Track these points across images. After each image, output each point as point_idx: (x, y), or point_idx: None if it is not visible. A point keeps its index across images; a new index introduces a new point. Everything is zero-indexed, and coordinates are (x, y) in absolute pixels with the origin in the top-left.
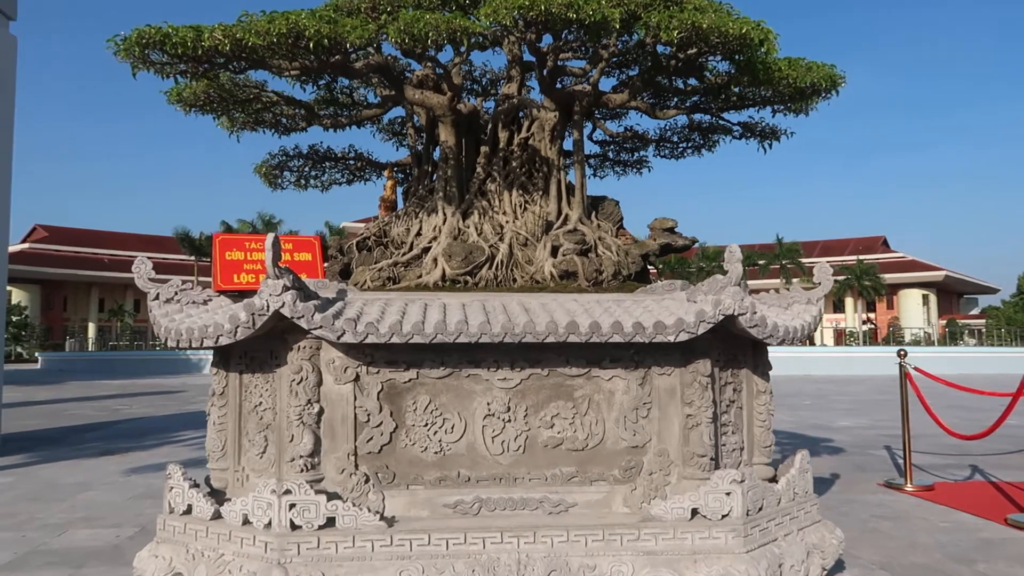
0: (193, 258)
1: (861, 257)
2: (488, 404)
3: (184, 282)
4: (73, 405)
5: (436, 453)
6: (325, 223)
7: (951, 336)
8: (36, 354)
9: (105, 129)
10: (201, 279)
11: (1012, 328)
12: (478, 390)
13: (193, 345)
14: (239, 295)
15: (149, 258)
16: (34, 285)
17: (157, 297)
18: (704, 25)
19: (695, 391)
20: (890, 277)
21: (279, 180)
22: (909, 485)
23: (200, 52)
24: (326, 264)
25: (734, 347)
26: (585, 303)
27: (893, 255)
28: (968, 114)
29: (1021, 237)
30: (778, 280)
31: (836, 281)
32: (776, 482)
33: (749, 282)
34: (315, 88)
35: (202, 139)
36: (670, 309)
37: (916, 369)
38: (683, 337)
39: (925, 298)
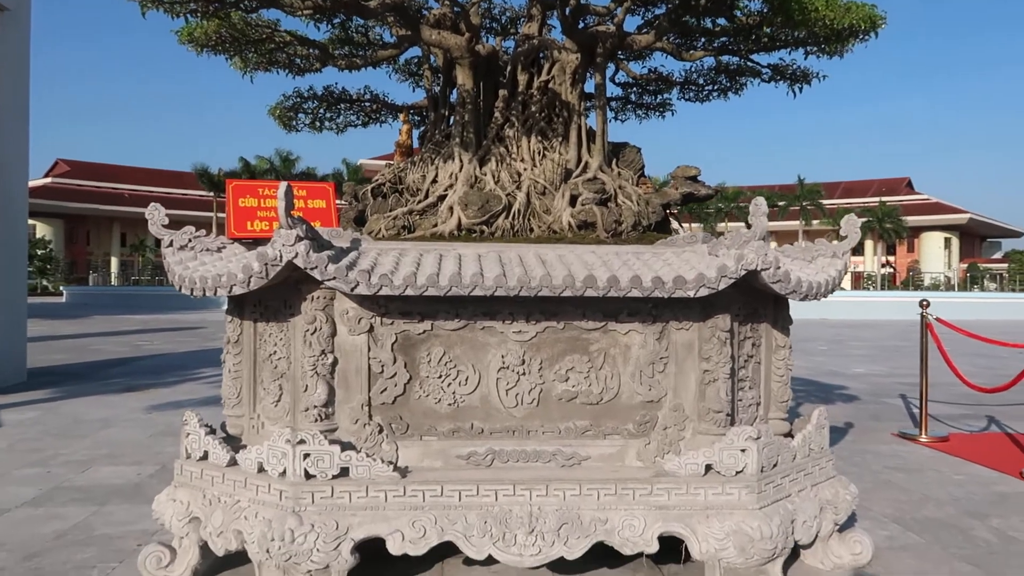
0: (212, 194)
1: (884, 199)
2: (503, 357)
3: (203, 219)
4: (97, 340)
5: (450, 405)
6: (343, 160)
7: (972, 280)
8: (61, 288)
9: (126, 65)
10: (220, 215)
11: None
12: (493, 343)
13: (207, 293)
14: (253, 242)
15: (168, 194)
16: (57, 219)
17: (171, 244)
18: None
19: (713, 346)
20: (912, 219)
21: (294, 122)
22: (924, 436)
23: None
24: (340, 202)
25: (755, 301)
26: (603, 255)
27: (916, 197)
28: (998, 40)
29: None
30: (798, 222)
31: (850, 214)
32: (792, 437)
33: (768, 223)
34: (329, 27)
35: (221, 73)
36: (691, 263)
37: (938, 319)
38: (703, 292)
39: (947, 241)
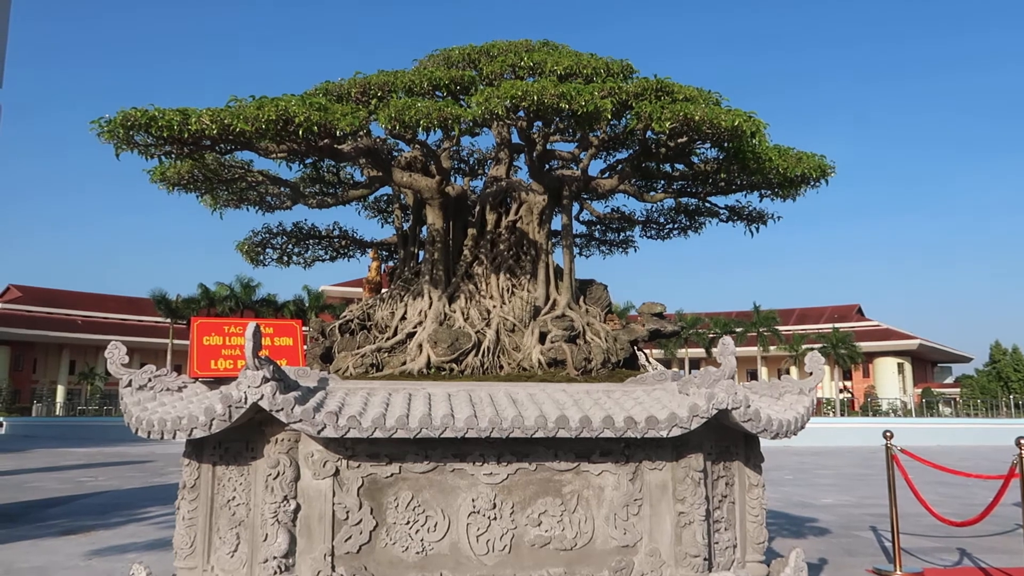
0: (169, 320)
1: (836, 325)
2: (473, 500)
3: (158, 346)
4: (36, 476)
5: (418, 553)
6: (304, 287)
7: (927, 406)
8: (1, 419)
9: (82, 187)
10: (176, 341)
11: (986, 397)
12: (463, 485)
13: (165, 437)
14: (215, 381)
15: (124, 320)
16: (4, 346)
17: (130, 384)
18: (696, 117)
19: (687, 487)
20: (865, 345)
21: (261, 257)
22: (898, 572)
23: (186, 135)
24: (306, 328)
25: (726, 439)
26: (574, 394)
27: (868, 323)
28: (934, 184)
29: (992, 305)
30: (755, 348)
31: (812, 350)
32: None
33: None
34: (301, 166)
35: (179, 198)
36: (662, 402)
37: (903, 451)
38: (676, 432)
39: (900, 366)
